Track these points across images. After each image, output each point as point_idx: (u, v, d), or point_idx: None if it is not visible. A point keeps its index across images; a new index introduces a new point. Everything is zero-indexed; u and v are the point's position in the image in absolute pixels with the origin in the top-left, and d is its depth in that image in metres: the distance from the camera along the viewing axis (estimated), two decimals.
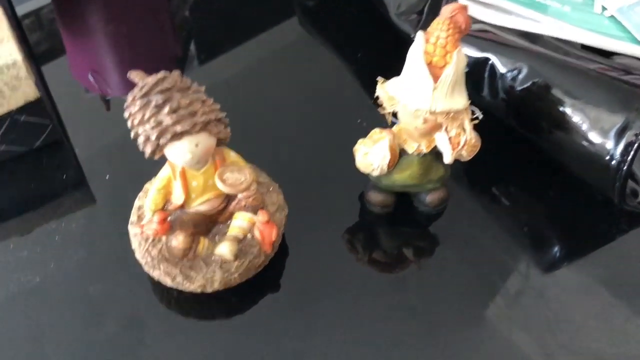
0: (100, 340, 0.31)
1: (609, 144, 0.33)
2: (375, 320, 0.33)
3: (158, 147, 0.27)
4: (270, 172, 0.37)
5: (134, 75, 0.27)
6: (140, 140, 0.27)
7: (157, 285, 0.33)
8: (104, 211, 0.38)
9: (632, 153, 0.32)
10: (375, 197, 0.37)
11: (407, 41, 0.42)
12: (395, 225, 0.38)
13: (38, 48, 0.50)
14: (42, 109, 0.37)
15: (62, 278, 0.34)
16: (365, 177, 0.36)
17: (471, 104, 0.31)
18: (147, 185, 0.35)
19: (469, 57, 0.38)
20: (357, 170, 0.35)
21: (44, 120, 0.38)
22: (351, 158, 0.35)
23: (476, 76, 0.38)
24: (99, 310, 0.33)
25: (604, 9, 0.42)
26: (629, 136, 0.32)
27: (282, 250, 0.35)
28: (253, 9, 0.54)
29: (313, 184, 0.39)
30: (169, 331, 0.32)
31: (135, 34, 0.51)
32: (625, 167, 0.32)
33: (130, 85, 0.28)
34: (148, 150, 0.27)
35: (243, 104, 0.45)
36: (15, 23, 0.50)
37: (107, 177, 0.39)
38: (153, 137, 0.27)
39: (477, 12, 0.40)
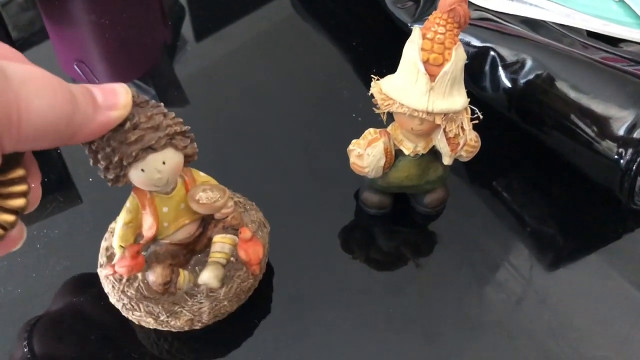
0: (83, 356, 0.30)
1: (618, 142, 0.31)
2: (374, 327, 0.32)
3: (122, 171, 0.24)
4: (262, 179, 0.35)
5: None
6: (101, 166, 0.24)
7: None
8: (89, 215, 0.36)
9: None
10: (371, 199, 0.35)
11: (404, 30, 0.40)
12: (392, 226, 0.36)
13: (21, 37, 0.48)
14: None
15: (44, 289, 0.33)
16: (360, 177, 0.34)
17: (470, 96, 0.29)
18: (112, 225, 0.33)
19: (468, 47, 0.37)
20: (351, 170, 0.33)
21: None
22: (345, 156, 0.33)
23: (476, 68, 0.36)
24: (82, 324, 0.31)
25: None
26: (639, 134, 0.30)
27: (268, 268, 0.33)
28: None
29: (307, 187, 0.37)
30: None
31: (121, 20, 0.49)
32: (634, 167, 0.31)
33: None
34: (111, 176, 0.24)
35: (230, 98, 0.43)
36: None
37: (90, 180, 0.38)
38: (115, 159, 0.24)
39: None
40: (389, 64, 0.31)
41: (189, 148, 0.26)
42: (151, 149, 0.24)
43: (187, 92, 0.44)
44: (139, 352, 0.30)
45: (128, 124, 0.23)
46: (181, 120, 0.26)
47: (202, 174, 0.29)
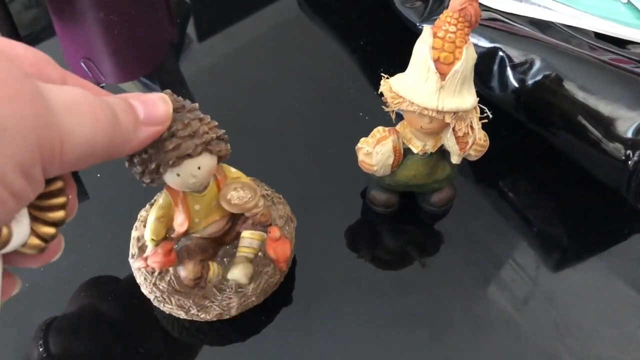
0: (91, 349, 0.30)
1: (626, 144, 0.31)
2: (380, 325, 0.32)
3: (157, 176, 0.25)
4: (269, 179, 0.35)
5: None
6: (137, 170, 0.24)
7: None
8: (96, 210, 0.36)
9: None
10: (378, 197, 0.35)
11: (413, 29, 0.40)
12: (399, 225, 0.36)
13: (28, 32, 0.49)
14: None
15: (54, 287, 0.33)
16: (367, 175, 0.34)
17: (478, 96, 0.29)
18: (142, 213, 0.33)
19: (477, 47, 0.37)
20: (358, 168, 0.33)
21: None
22: (352, 155, 0.33)
23: (484, 68, 0.37)
24: (91, 316, 0.31)
25: None
26: None
27: (293, 261, 0.33)
28: None
29: (315, 186, 0.38)
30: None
31: (129, 18, 0.49)
32: None
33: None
34: (147, 180, 0.25)
35: (237, 97, 0.43)
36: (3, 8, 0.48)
37: (98, 175, 0.38)
38: (152, 166, 0.24)
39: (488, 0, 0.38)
40: (397, 64, 0.31)
41: (223, 151, 0.26)
42: (188, 155, 0.24)
43: (193, 91, 0.44)
44: (157, 343, 0.30)
45: (166, 133, 0.23)
46: (216, 123, 0.26)
47: (233, 169, 0.30)
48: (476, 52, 0.37)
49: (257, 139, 0.40)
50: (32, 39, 0.48)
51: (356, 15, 0.49)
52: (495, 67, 0.36)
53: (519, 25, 0.37)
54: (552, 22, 0.38)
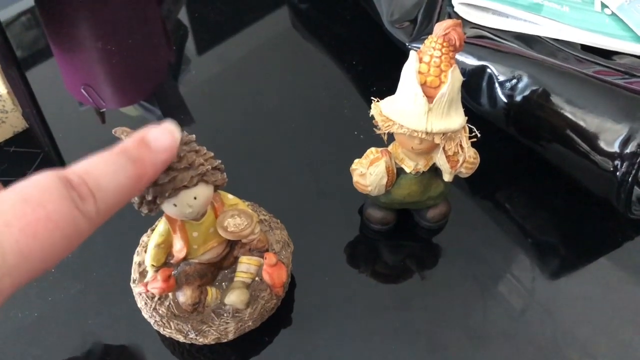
0: None
1: (613, 156, 0.32)
2: (380, 340, 0.32)
3: (155, 206, 0.26)
4: (267, 200, 0.36)
5: (119, 133, 0.25)
6: (136, 200, 0.25)
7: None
8: (100, 235, 0.37)
9: (636, 165, 0.31)
10: (374, 215, 0.36)
11: (403, 49, 0.41)
12: (396, 241, 0.37)
13: (27, 54, 0.49)
14: (32, 139, 0.37)
15: (61, 313, 0.34)
16: (363, 194, 0.35)
17: (470, 112, 0.30)
18: (144, 238, 0.34)
19: (465, 64, 0.38)
20: (354, 186, 0.34)
21: (35, 150, 0.37)
22: (348, 173, 0.34)
23: (474, 85, 0.37)
24: (100, 344, 0.32)
25: (604, 6, 0.40)
26: (633, 147, 0.31)
27: (290, 283, 0.34)
28: (246, 11, 0.52)
29: (313, 205, 0.38)
30: None
31: (127, 46, 0.50)
32: (630, 179, 0.32)
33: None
34: (145, 211, 0.26)
35: (233, 119, 0.44)
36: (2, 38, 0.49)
37: None
38: (149, 198, 0.25)
39: (474, 16, 0.39)
40: (389, 83, 0.32)
41: (219, 180, 0.27)
42: (184, 187, 0.25)
43: (192, 111, 0.45)
44: None
45: None
46: (212, 154, 0.27)
47: (230, 196, 0.31)
48: (465, 70, 0.38)
49: (253, 161, 0.41)
50: (32, 62, 0.49)
51: (348, 34, 0.50)
52: (484, 84, 0.37)
53: (505, 42, 0.38)
54: (539, 36, 0.38)
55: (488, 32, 0.38)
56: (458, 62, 0.38)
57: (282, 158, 0.41)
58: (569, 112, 0.34)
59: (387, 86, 0.32)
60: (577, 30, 0.39)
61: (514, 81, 0.35)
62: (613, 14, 0.40)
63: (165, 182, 0.25)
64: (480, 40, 0.38)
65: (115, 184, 0.18)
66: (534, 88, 0.35)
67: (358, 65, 0.47)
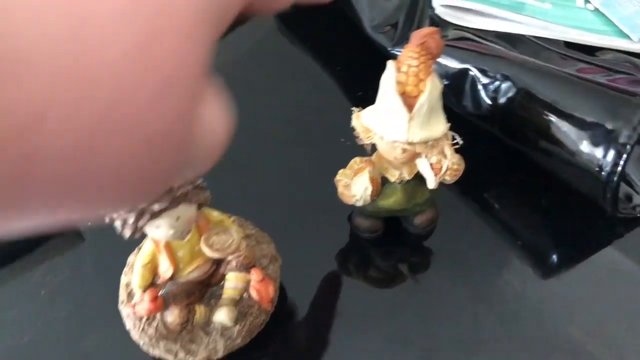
0: None
1: (598, 155, 0.32)
2: (375, 350, 0.32)
3: (137, 229, 0.25)
4: (253, 213, 0.36)
5: None
6: (117, 224, 0.26)
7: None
8: (92, 255, 0.37)
9: (621, 163, 0.31)
10: (362, 223, 0.36)
11: (385, 54, 0.41)
12: (385, 248, 0.37)
13: None
14: None
15: (52, 336, 0.33)
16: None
17: (455, 115, 0.30)
18: (131, 258, 0.34)
19: (448, 67, 0.37)
20: None
21: None
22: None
23: (457, 88, 0.37)
24: None
25: (586, 2, 0.40)
26: (617, 146, 0.31)
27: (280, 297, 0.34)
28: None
29: (300, 215, 0.38)
30: None
31: None
32: (615, 178, 0.31)
33: None
34: (127, 234, 0.26)
35: None
36: None
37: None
38: (131, 221, 0.25)
39: (456, 18, 0.39)
40: (375, 89, 0.32)
41: (201, 198, 0.27)
42: (165, 208, 0.25)
43: None
44: None
45: None
46: None
47: (215, 213, 0.30)
48: (448, 73, 0.38)
49: (237, 172, 0.41)
50: None
51: (334, 39, 0.49)
52: (467, 87, 0.37)
53: (488, 43, 0.37)
54: (522, 35, 0.38)
55: (470, 33, 0.38)
56: (441, 65, 0.38)
57: (266, 168, 0.41)
58: (552, 113, 0.33)
59: (373, 91, 0.31)
60: (561, 27, 0.39)
61: (497, 83, 0.35)
62: (596, 9, 0.40)
63: (145, 205, 0.24)
64: (463, 42, 0.37)
65: None
66: (517, 90, 0.35)
67: (343, 71, 0.46)
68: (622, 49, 0.38)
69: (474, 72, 0.36)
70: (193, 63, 0.10)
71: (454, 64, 0.37)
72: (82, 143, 0.09)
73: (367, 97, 0.31)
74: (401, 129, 0.28)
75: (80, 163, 0.09)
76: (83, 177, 0.10)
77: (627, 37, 0.38)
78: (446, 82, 0.37)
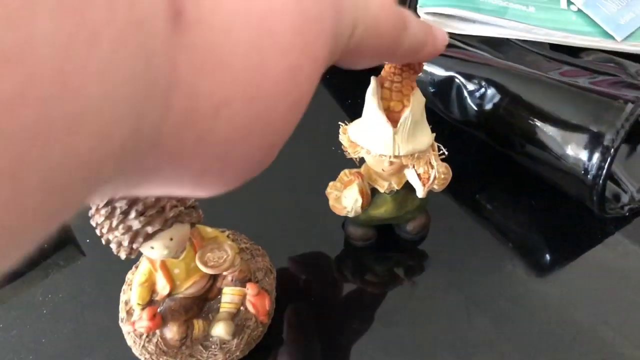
0: None
1: (583, 158, 0.32)
2: (371, 357, 0.33)
3: (132, 251, 0.26)
4: (248, 226, 0.37)
5: None
6: (113, 246, 0.26)
7: None
8: (92, 271, 0.38)
9: (606, 166, 0.32)
10: (355, 232, 0.37)
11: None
12: (379, 254, 0.37)
13: None
14: None
15: (55, 354, 0.34)
16: None
17: (442, 120, 0.30)
18: (129, 276, 0.35)
19: (434, 75, 0.38)
20: None
21: None
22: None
23: (444, 95, 0.38)
24: None
25: (569, 3, 0.41)
26: (601, 149, 0.32)
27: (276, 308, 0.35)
28: None
29: (294, 225, 0.39)
30: None
31: None
32: (601, 181, 0.32)
33: None
34: (123, 255, 0.26)
35: None
36: None
37: (88, 241, 0.39)
38: (125, 243, 0.26)
39: (440, 25, 0.39)
40: (362, 97, 0.32)
41: (194, 217, 0.27)
42: (159, 230, 0.26)
43: None
44: None
45: (134, 212, 0.25)
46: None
47: (209, 229, 0.31)
48: (434, 80, 0.38)
49: (225, 198, 0.41)
50: None
51: None
52: (454, 94, 0.37)
53: (473, 49, 0.38)
54: (507, 39, 0.39)
55: (455, 39, 0.39)
56: (427, 73, 0.38)
57: (260, 181, 0.41)
58: (537, 118, 0.34)
59: (362, 100, 0.32)
60: (545, 30, 0.39)
61: (482, 90, 0.36)
62: (579, 10, 0.40)
63: (139, 227, 0.25)
64: (448, 49, 0.38)
65: (415, 32, 0.18)
66: (502, 96, 0.35)
67: (332, 78, 0.47)
68: (607, 49, 0.39)
69: (459, 79, 0.37)
70: (318, 73, 0.14)
71: (439, 72, 0.37)
72: (241, 130, 0.12)
73: (356, 104, 0.31)
74: (387, 143, 0.29)
75: (236, 144, 0.12)
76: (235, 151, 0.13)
77: (611, 37, 0.39)
78: (433, 90, 0.37)
